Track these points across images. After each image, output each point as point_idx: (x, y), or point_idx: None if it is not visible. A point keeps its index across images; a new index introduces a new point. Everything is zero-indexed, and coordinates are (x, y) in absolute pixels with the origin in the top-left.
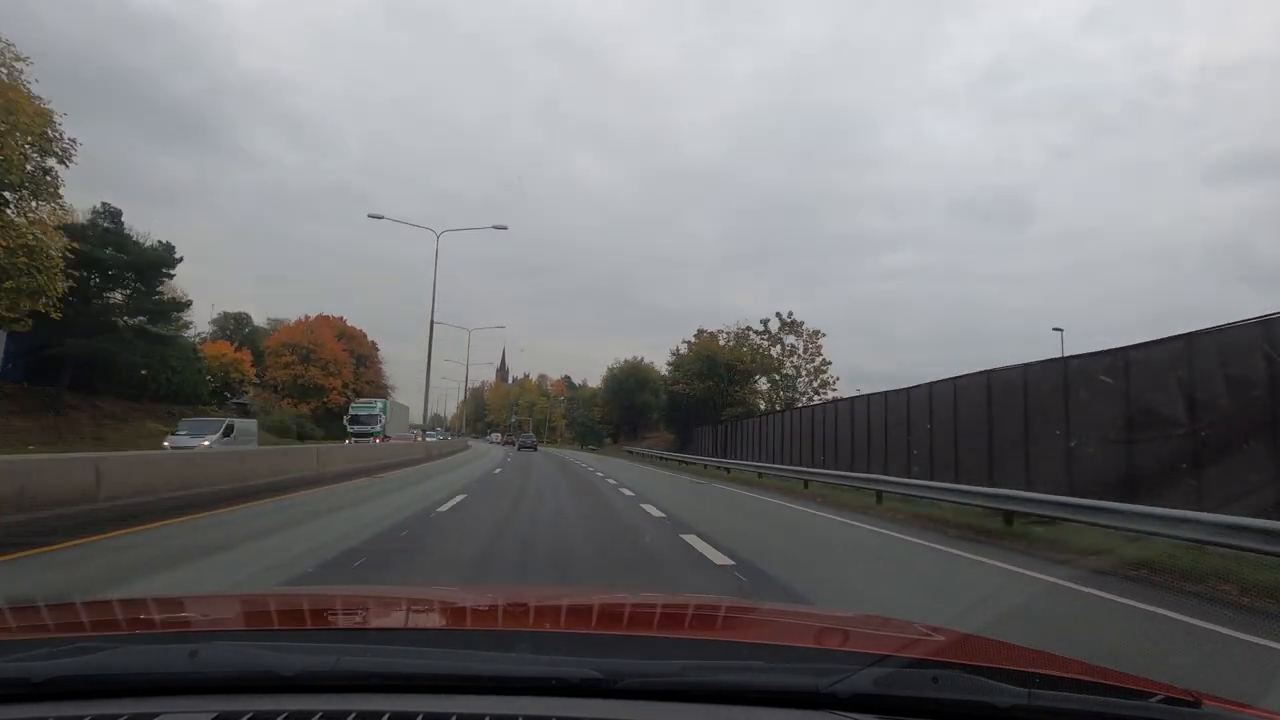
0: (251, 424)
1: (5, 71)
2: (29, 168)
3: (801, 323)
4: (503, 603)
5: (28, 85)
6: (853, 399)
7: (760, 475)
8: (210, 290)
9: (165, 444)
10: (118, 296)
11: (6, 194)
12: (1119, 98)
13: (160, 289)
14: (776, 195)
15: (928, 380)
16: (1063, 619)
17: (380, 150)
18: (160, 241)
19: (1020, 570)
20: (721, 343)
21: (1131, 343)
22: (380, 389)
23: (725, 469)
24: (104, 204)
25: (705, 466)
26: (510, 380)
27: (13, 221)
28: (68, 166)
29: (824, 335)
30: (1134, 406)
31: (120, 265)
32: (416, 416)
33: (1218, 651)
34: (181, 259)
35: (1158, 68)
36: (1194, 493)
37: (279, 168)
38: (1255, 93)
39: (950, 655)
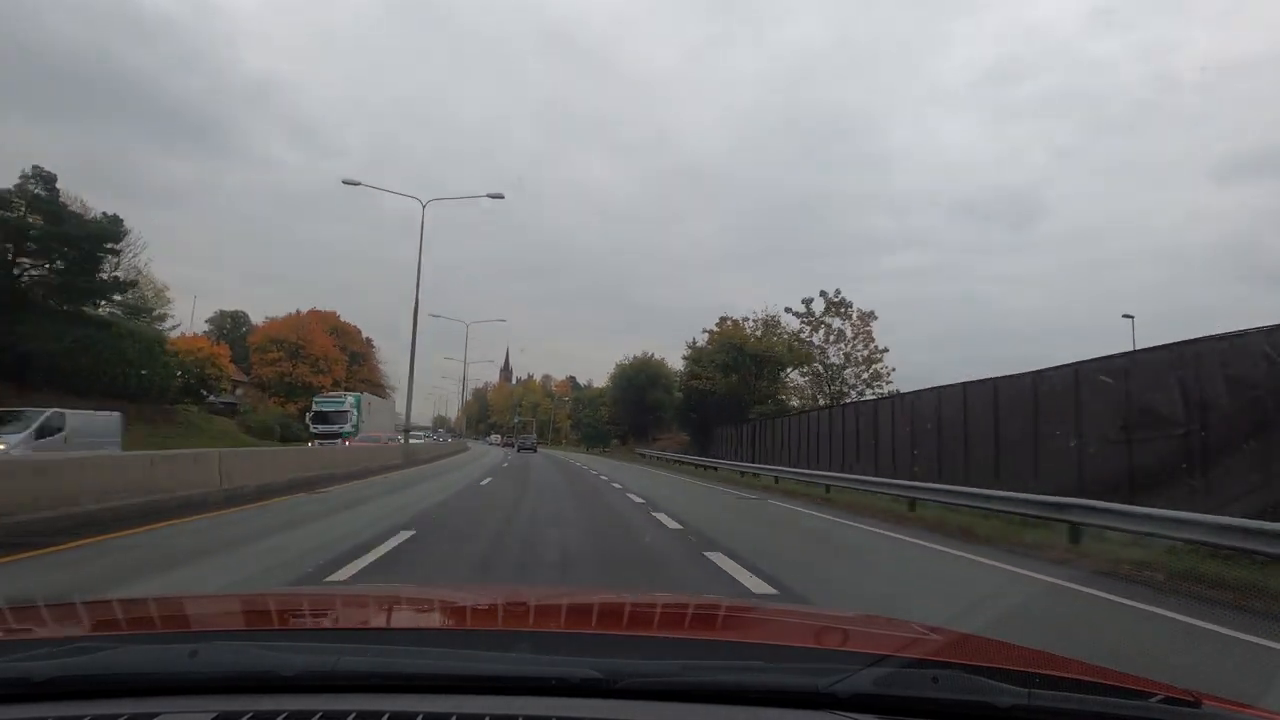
0: (113, 419)
1: None
2: None
3: (850, 303)
4: (503, 602)
5: None
6: (963, 385)
7: (828, 490)
8: (211, 290)
9: None
10: (45, 272)
11: None
12: (1124, 97)
13: (103, 268)
14: (779, 195)
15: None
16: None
17: (380, 150)
18: (105, 214)
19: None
20: (748, 331)
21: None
22: (377, 388)
23: (774, 477)
24: (35, 167)
25: (742, 474)
26: (514, 381)
27: None
28: None
29: (875, 318)
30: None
31: (52, 238)
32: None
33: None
34: (129, 232)
35: (1163, 66)
36: None
37: (279, 168)
38: (1262, 91)
39: (950, 655)
